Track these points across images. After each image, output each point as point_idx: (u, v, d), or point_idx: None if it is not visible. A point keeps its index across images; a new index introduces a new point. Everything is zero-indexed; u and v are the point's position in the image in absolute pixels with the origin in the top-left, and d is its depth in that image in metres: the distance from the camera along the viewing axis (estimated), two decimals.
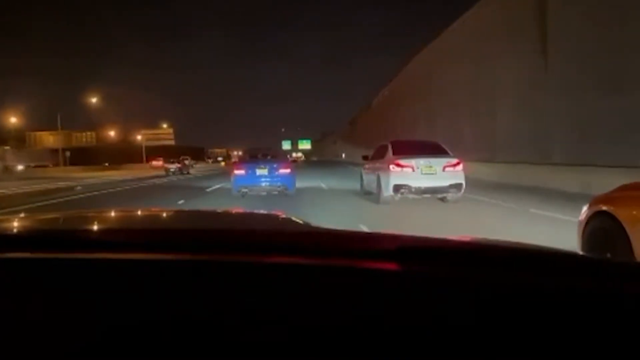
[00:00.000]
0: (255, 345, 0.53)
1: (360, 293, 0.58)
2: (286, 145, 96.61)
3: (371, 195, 8.59)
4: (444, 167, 7.54)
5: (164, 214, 1.61)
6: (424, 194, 7.59)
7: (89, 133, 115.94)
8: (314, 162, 60.19)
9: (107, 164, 55.65)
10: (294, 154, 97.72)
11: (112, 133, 65.19)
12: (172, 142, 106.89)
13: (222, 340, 0.54)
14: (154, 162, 46.40)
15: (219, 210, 2.40)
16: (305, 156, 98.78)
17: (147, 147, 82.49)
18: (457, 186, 7.50)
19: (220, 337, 0.54)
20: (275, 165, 9.44)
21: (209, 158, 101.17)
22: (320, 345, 0.52)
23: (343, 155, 55.50)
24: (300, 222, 1.13)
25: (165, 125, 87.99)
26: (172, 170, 26.62)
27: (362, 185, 9.68)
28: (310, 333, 0.53)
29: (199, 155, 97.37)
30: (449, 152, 8.08)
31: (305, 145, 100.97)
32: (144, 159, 58.76)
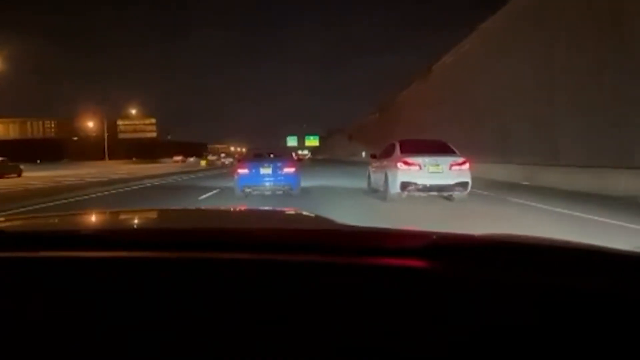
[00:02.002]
0: (281, 344, 0.62)
1: (389, 291, 0.68)
2: (291, 142, 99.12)
3: (378, 192, 10.43)
4: (451, 166, 9.28)
5: (177, 214, 1.85)
6: (430, 191, 9.33)
7: (47, 122, 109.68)
8: (320, 161, 59.46)
9: (39, 161, 54.12)
10: (299, 152, 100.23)
11: (90, 124, 62.65)
12: (155, 135, 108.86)
13: (242, 339, 0.63)
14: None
15: (237, 209, 2.78)
16: (312, 154, 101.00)
17: (126, 141, 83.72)
18: (464, 185, 9.23)
19: (240, 336, 0.64)
20: (279, 165, 10.99)
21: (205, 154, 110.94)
22: (348, 344, 0.61)
23: (363, 154, 53.47)
24: (323, 218, 1.30)
25: (133, 111, 79.34)
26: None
27: (369, 183, 11.60)
28: (338, 332, 0.63)
29: (199, 152, 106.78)
30: (456, 151, 9.86)
31: (313, 141, 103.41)
32: (106, 155, 56.52)
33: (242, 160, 12.27)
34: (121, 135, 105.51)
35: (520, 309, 0.63)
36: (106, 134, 57.94)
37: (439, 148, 10.03)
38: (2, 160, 27.35)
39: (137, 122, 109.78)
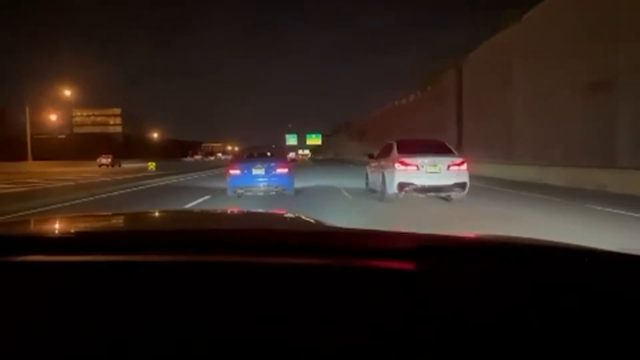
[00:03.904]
0: (272, 348, 0.73)
1: (377, 293, 0.79)
2: (291, 140, 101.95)
3: (375, 193, 12.46)
4: (449, 166, 11.21)
5: (169, 215, 2.19)
6: (428, 192, 11.27)
7: None
8: (320, 162, 57.16)
9: None
10: (299, 152, 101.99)
11: (53, 117, 60.47)
12: (120, 130, 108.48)
13: (234, 342, 0.74)
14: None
15: (227, 211, 3.18)
16: (313, 153, 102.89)
17: (87, 136, 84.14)
18: (462, 185, 11.15)
19: (231, 339, 0.75)
20: (272, 165, 12.75)
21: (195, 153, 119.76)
22: (339, 348, 0.72)
23: None
24: (312, 220, 1.52)
25: (67, 92, 59.01)
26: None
27: (367, 183, 13.74)
28: (327, 335, 0.73)
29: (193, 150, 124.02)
30: (454, 151, 11.90)
31: (315, 140, 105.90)
32: (29, 153, 50.52)
33: (234, 160, 13.89)
34: (77, 130, 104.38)
35: (509, 308, 0.76)
36: (29, 127, 51.78)
37: (437, 148, 12.02)
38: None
39: (97, 114, 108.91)
